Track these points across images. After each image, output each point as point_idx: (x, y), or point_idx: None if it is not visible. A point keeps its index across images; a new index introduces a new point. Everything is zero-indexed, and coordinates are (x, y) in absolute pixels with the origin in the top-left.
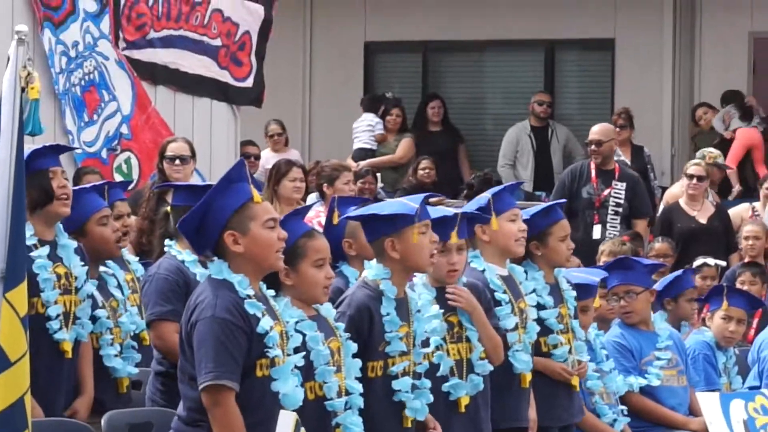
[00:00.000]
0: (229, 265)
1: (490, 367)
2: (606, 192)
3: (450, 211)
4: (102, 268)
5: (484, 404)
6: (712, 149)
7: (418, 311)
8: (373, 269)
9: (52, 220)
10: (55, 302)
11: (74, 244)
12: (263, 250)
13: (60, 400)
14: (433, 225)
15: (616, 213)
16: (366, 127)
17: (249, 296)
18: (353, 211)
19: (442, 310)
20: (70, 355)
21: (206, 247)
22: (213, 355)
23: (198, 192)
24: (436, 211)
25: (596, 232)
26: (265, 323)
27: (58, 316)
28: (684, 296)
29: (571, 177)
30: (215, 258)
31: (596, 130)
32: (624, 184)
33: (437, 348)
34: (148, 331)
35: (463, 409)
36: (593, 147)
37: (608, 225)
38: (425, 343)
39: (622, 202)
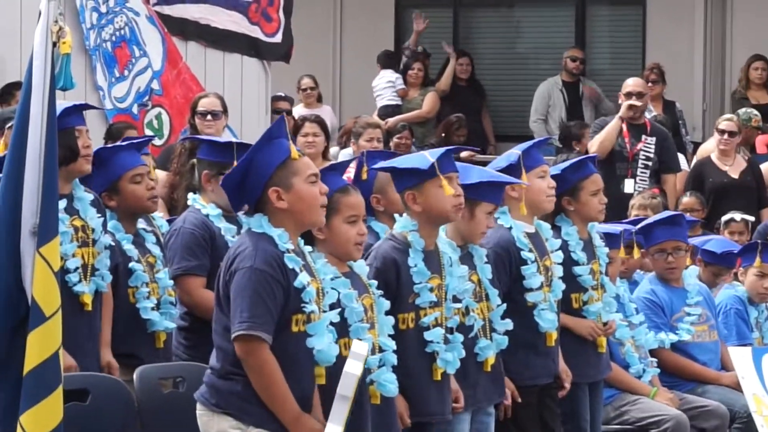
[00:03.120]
0: (269, 220)
1: (511, 326)
2: (638, 146)
3: (497, 176)
4: (141, 225)
5: (499, 361)
6: (756, 112)
7: (450, 265)
8: (401, 222)
9: (73, 177)
10: (73, 255)
11: (90, 196)
12: (306, 205)
13: (84, 353)
14: (477, 189)
15: (646, 167)
16: (386, 84)
17: (288, 250)
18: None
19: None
20: (90, 308)
21: (246, 203)
22: (249, 305)
23: (220, 147)
24: (485, 175)
25: (628, 186)
26: (303, 278)
27: (77, 269)
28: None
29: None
30: (254, 213)
31: (637, 83)
32: (654, 139)
33: (467, 309)
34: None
35: (489, 369)
36: (634, 98)
37: (638, 179)
38: (456, 299)
39: (652, 156)
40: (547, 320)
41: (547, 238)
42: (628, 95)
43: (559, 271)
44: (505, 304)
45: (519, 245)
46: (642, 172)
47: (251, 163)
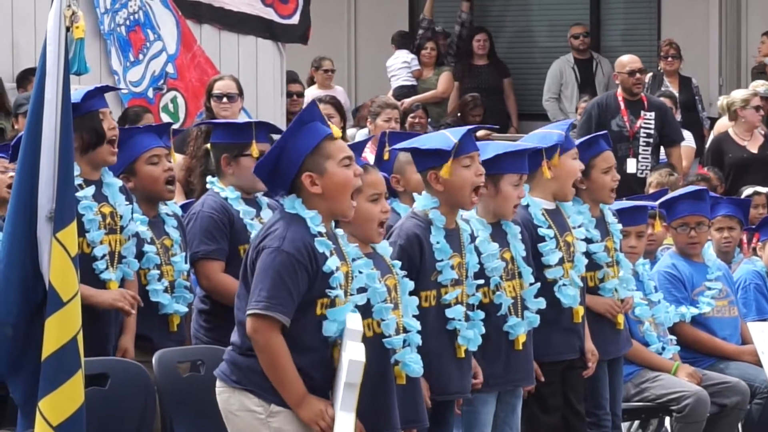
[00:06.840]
0: (303, 202)
1: (543, 304)
2: (638, 123)
3: (515, 146)
4: (163, 207)
5: (530, 339)
6: (765, 81)
7: (471, 243)
8: (421, 199)
9: (99, 165)
10: (101, 242)
11: (119, 182)
12: (341, 188)
13: (107, 340)
14: (498, 162)
15: (648, 144)
16: (402, 65)
17: (320, 233)
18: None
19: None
20: None
21: (281, 188)
22: (269, 285)
23: (237, 129)
24: (501, 148)
25: (631, 165)
26: (332, 263)
27: (104, 256)
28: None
29: (598, 109)
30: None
31: (636, 59)
32: (653, 114)
33: (497, 287)
34: (191, 269)
35: (520, 347)
36: (638, 75)
37: (640, 157)
38: (477, 276)
39: (652, 132)
40: (568, 296)
41: (569, 215)
42: (632, 72)
43: (581, 246)
44: (539, 283)
45: (537, 222)
46: (644, 150)
47: (284, 149)
